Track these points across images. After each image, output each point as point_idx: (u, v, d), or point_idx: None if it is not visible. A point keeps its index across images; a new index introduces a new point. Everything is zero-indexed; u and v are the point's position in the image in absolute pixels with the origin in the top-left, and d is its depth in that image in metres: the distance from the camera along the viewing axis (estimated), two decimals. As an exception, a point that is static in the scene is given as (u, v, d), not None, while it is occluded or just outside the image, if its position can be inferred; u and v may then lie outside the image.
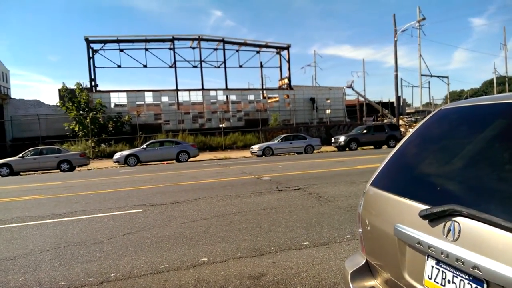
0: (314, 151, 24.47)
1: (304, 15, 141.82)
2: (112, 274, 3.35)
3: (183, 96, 38.51)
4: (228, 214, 5.59)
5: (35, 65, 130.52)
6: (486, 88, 77.55)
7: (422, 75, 49.37)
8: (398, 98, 32.01)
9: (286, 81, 43.37)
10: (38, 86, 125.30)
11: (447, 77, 55.53)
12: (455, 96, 69.46)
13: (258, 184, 8.84)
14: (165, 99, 37.80)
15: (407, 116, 45.81)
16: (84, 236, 4.79)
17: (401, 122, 35.93)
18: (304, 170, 11.58)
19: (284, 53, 43.71)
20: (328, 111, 40.85)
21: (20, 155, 19.94)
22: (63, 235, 4.90)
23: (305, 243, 3.96)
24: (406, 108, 56.49)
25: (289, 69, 43.10)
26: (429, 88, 64.12)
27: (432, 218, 1.40)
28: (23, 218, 6.18)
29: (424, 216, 1.41)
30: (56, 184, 12.18)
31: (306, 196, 6.80)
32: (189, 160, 21.93)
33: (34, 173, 20.09)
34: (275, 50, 44.10)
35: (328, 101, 43.34)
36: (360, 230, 1.99)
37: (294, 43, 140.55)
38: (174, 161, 21.85)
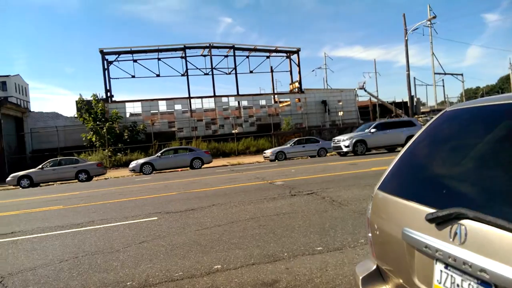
0: (328, 154, 24.32)
1: (313, 18, 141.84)
2: (128, 283, 3.41)
3: (195, 104, 38.88)
4: (241, 220, 5.62)
5: (53, 78, 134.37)
6: (503, 84, 75.70)
7: (435, 73, 48.72)
8: (411, 97, 31.62)
9: (297, 84, 43.35)
10: (56, 98, 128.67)
11: (462, 75, 54.62)
12: (470, 93, 68.06)
13: (271, 189, 8.85)
14: (178, 107, 38.24)
15: (421, 116, 45.12)
16: (101, 245, 4.88)
17: (415, 122, 35.37)
18: (317, 174, 11.53)
19: (294, 57, 43.76)
20: (340, 113, 40.60)
21: (40, 166, 20.46)
22: (81, 244, 5.01)
23: (318, 249, 3.95)
24: (421, 107, 55.65)
25: (299, 72, 43.08)
26: (443, 86, 63.17)
27: (439, 222, 1.39)
28: (43, 228, 6.35)
29: (430, 219, 1.41)
30: (74, 194, 12.44)
31: (319, 200, 6.78)
32: (202, 166, 22.10)
33: (53, 184, 20.55)
34: (285, 54, 44.19)
35: (340, 103, 43.07)
36: (370, 234, 1.99)
37: (304, 46, 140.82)
38: (188, 168, 22.04)
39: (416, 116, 35.67)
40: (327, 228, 4.74)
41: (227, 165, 22.79)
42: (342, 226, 4.78)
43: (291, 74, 44.70)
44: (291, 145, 24.49)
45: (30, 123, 33.46)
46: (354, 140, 19.67)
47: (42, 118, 34.23)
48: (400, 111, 45.38)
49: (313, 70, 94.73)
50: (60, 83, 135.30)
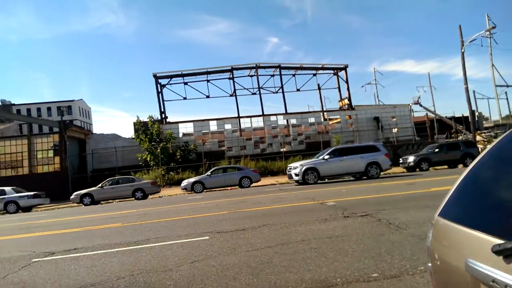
0: (382, 173, 23.34)
1: (361, 35, 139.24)
2: (181, 303, 3.46)
3: (244, 123, 39.62)
4: (292, 242, 5.51)
5: (112, 102, 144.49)
6: None
7: (496, 85, 45.35)
8: (472, 112, 29.61)
9: (346, 101, 42.59)
10: (115, 120, 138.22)
11: (528, 86, 50.13)
12: (540, 105, 62.01)
13: (322, 210, 8.63)
14: (228, 126, 39.21)
15: (485, 131, 41.95)
16: (155, 263, 5.04)
17: (478, 137, 33.02)
18: (370, 194, 11.08)
19: (342, 73, 43.24)
20: (394, 130, 39.02)
21: (100, 185, 21.84)
22: (137, 262, 5.20)
23: (374, 275, 3.75)
24: (483, 122, 51.77)
25: (348, 89, 42.39)
26: (507, 99, 58.24)
27: (507, 254, 1.27)
28: (103, 245, 6.71)
29: (497, 252, 1.29)
30: (131, 212, 13.07)
31: (375, 222, 6.48)
32: (251, 185, 22.22)
33: (112, 202, 21.79)
34: (332, 71, 43.84)
35: (394, 119, 41.45)
36: (430, 264, 1.86)
37: (352, 62, 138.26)
38: (237, 186, 22.28)
39: (478, 131, 33.24)
40: (383, 253, 4.50)
41: (275, 184, 22.72)
42: (400, 252, 4.51)
43: (339, 91, 44.12)
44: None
45: (92, 144, 36.12)
46: (304, 168, 17.85)
47: (102, 139, 36.82)
48: (461, 126, 42.60)
49: (362, 86, 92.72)
50: (119, 106, 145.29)
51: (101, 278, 4.54)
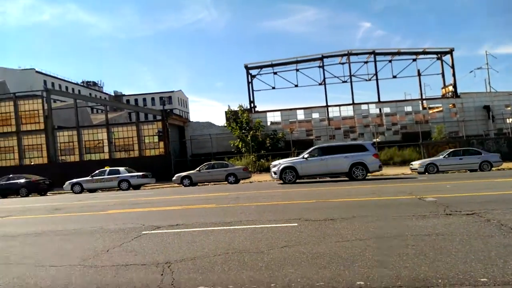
0: (493, 169, 20.73)
1: (468, 14, 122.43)
2: (272, 285, 3.57)
3: (333, 112, 38.72)
4: (385, 237, 5.26)
5: (206, 92, 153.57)
6: None
7: None
8: None
9: (450, 88, 38.53)
10: (208, 109, 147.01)
11: None
12: None
13: (420, 205, 8.03)
14: (315, 115, 38.76)
15: None
16: (247, 244, 5.28)
17: None
18: (478, 192, 9.94)
19: (447, 57, 39.13)
20: (509, 120, 34.17)
21: (197, 168, 23.60)
22: (231, 242, 5.52)
23: (482, 280, 3.37)
24: None
25: (453, 75, 38.25)
26: None
27: None
28: (200, 224, 7.26)
29: None
30: (224, 195, 13.87)
31: (483, 223, 5.80)
32: (341, 176, 21.68)
33: (208, 184, 23.37)
34: (435, 56, 39.95)
35: (509, 108, 36.26)
36: None
37: (458, 45, 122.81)
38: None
39: None
40: (493, 257, 4.01)
41: (368, 176, 21.77)
42: (515, 257, 3.97)
43: (443, 77, 40.08)
44: (444, 156, 21.85)
45: (189, 131, 39.05)
46: (281, 167, 17.48)
47: (198, 127, 39.56)
48: None
49: (471, 71, 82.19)
50: (212, 96, 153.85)
51: (200, 253, 4.93)
